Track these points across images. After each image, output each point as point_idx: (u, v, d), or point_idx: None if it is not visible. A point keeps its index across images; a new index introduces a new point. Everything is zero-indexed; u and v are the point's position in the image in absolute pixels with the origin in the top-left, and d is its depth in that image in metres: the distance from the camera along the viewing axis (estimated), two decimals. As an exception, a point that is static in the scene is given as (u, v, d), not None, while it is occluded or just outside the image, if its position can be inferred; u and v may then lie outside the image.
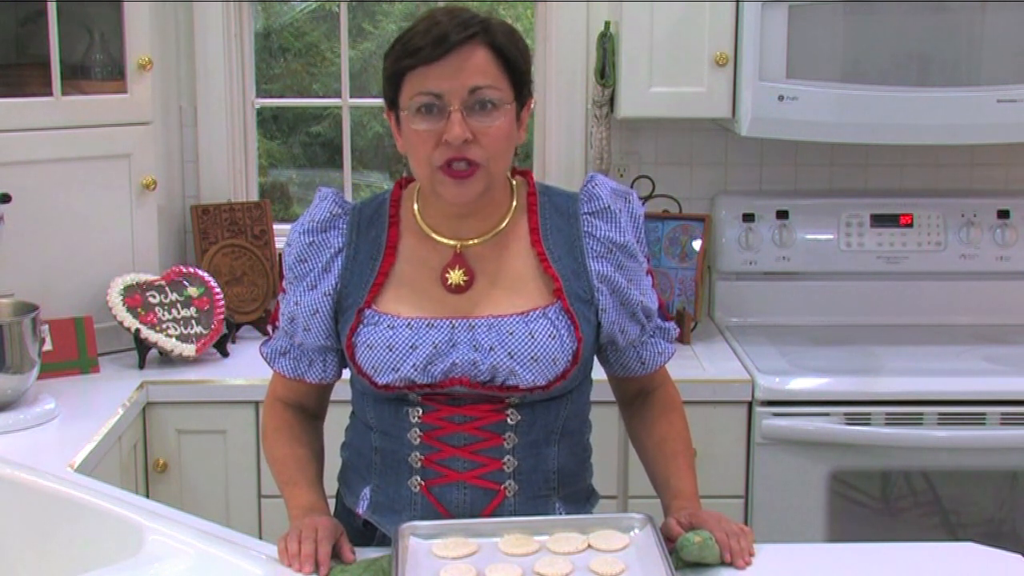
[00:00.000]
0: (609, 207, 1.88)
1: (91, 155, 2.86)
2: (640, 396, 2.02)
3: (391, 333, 1.81)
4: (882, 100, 2.82)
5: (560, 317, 1.81)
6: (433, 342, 1.79)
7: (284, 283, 1.94)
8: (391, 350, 1.80)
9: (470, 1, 3.59)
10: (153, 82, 2.96)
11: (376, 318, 1.82)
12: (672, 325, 1.99)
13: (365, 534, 1.92)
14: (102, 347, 2.86)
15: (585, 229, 1.87)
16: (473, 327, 1.81)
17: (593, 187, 1.91)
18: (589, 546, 1.72)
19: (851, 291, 3.27)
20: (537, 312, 1.81)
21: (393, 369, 1.80)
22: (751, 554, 1.77)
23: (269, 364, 1.97)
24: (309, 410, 2.00)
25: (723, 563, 1.75)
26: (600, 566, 1.66)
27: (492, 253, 1.86)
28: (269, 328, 1.99)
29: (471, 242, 1.86)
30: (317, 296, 1.86)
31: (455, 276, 1.84)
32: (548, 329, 1.80)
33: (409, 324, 1.81)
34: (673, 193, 3.25)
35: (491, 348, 1.79)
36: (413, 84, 1.75)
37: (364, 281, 1.85)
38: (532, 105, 1.86)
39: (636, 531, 1.76)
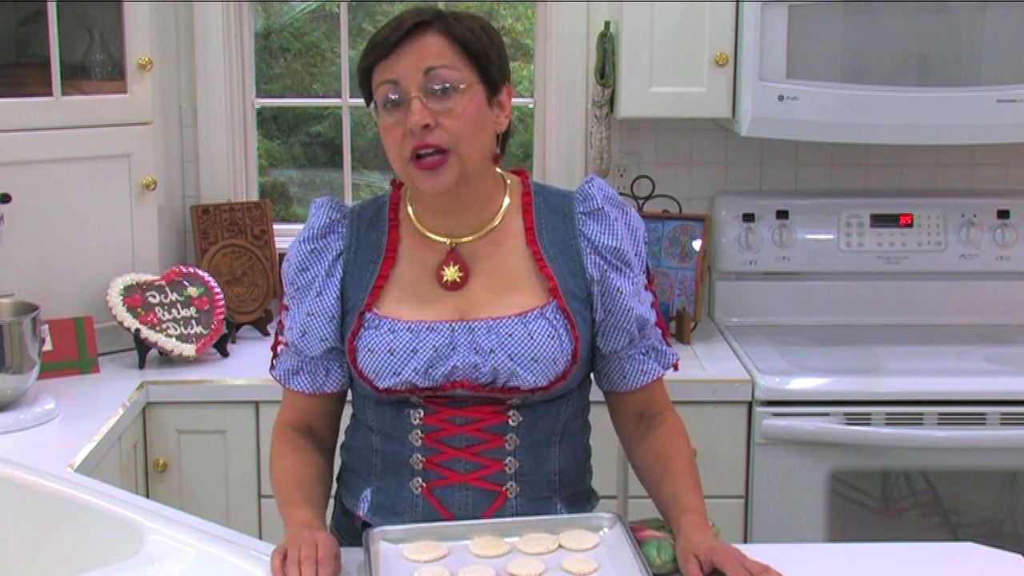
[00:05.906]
0: (603, 208, 1.87)
1: (91, 155, 2.86)
2: (638, 421, 1.94)
3: (392, 337, 1.80)
4: (882, 100, 2.82)
5: (557, 316, 1.81)
6: (434, 345, 1.79)
7: (286, 300, 1.92)
8: (392, 354, 1.80)
9: (471, 1, 3.60)
10: (153, 82, 2.96)
11: (376, 321, 1.82)
12: (671, 351, 1.93)
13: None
14: (102, 347, 2.86)
15: (580, 229, 1.87)
16: (473, 329, 1.80)
17: (589, 187, 1.90)
18: (560, 546, 1.72)
19: (851, 291, 3.26)
20: (535, 312, 1.81)
21: (394, 373, 1.79)
22: None
23: (285, 386, 1.92)
24: (318, 433, 1.94)
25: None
26: (573, 565, 1.66)
27: (486, 251, 1.85)
28: (275, 350, 1.94)
29: (464, 239, 1.85)
30: (329, 302, 1.85)
31: (450, 273, 1.84)
32: (547, 329, 1.79)
33: (409, 328, 1.80)
34: (673, 193, 3.25)
35: (491, 350, 1.78)
36: (377, 77, 1.77)
37: (364, 284, 1.85)
38: (511, 90, 1.85)
39: (605, 530, 1.76)
